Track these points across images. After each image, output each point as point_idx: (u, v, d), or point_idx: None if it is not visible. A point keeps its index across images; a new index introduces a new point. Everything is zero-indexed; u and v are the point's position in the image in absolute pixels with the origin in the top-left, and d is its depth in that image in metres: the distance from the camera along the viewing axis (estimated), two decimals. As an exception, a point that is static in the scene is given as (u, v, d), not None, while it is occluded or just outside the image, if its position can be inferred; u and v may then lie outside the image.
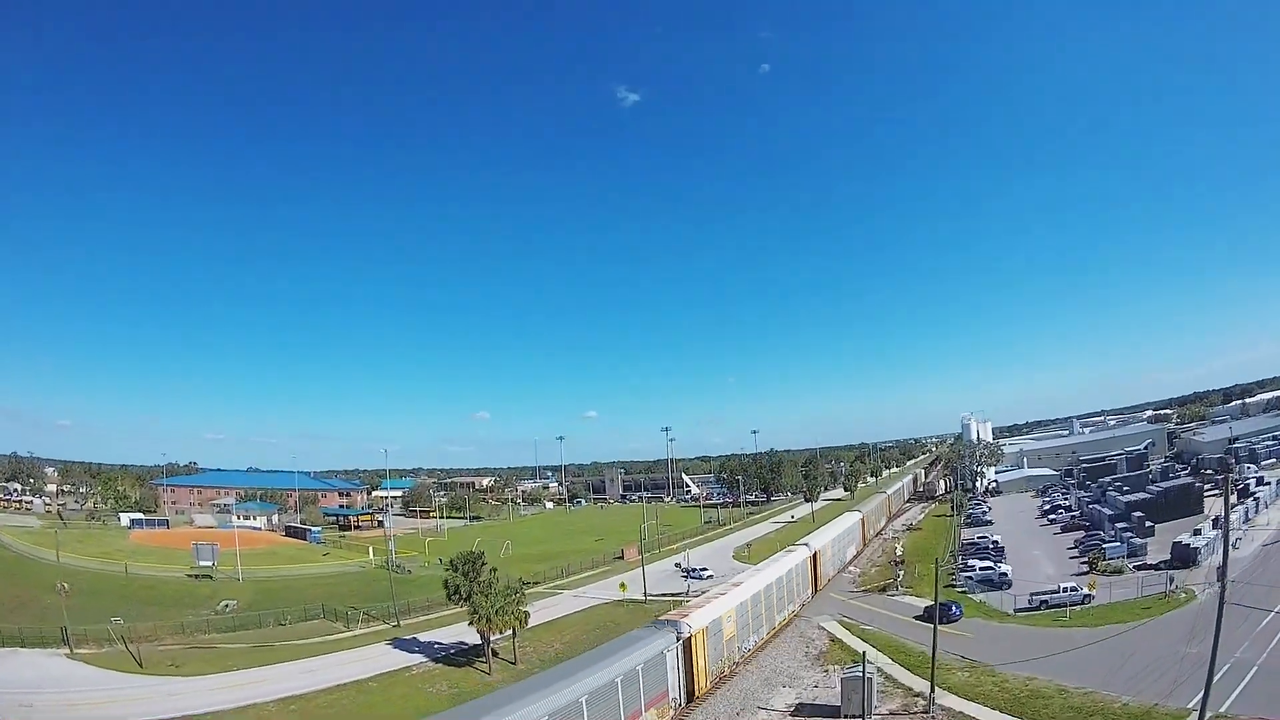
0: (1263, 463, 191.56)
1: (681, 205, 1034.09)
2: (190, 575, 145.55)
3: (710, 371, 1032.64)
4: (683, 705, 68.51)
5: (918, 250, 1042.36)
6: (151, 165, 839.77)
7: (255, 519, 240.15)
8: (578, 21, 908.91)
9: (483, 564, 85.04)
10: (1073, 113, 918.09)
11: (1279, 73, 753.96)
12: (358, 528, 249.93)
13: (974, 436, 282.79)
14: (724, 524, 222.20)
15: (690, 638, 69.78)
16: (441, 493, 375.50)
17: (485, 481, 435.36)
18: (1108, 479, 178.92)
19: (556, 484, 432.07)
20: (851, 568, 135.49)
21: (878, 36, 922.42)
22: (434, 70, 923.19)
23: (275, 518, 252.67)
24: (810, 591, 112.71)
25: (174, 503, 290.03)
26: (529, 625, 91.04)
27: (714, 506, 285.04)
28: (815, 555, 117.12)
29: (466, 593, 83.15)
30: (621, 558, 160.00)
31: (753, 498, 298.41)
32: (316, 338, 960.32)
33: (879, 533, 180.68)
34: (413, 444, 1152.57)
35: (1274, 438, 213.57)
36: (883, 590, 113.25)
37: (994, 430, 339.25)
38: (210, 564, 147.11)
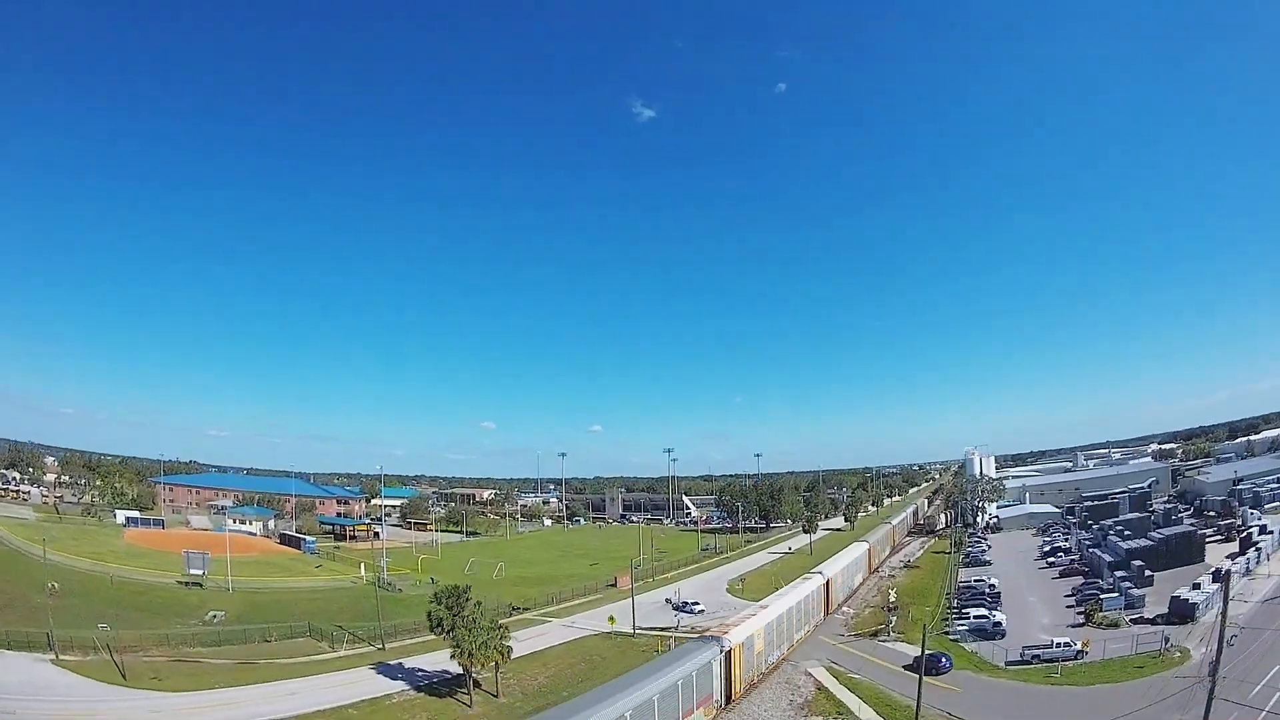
0: (1266, 506, 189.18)
1: (694, 222, 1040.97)
2: (181, 582, 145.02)
3: (718, 389, 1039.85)
4: (723, 706, 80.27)
5: (930, 275, 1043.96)
6: (168, 158, 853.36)
7: (251, 524, 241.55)
8: (595, 37, 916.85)
9: (467, 598, 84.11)
10: (1080, 140, 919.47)
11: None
12: (353, 538, 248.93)
13: (977, 471, 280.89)
14: (720, 552, 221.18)
15: (730, 650, 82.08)
16: (440, 504, 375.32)
17: (486, 494, 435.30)
18: (1109, 522, 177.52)
19: (556, 499, 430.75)
20: (845, 608, 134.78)
21: (894, 57, 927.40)
22: (451, 81, 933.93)
23: (271, 523, 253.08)
24: (823, 614, 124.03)
25: (171, 501, 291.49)
26: (514, 656, 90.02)
27: (712, 532, 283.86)
28: (828, 582, 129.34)
29: (449, 626, 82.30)
30: (614, 585, 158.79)
31: (752, 524, 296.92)
32: (326, 339, 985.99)
33: (883, 562, 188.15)
34: (417, 450, 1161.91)
35: (1278, 480, 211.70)
36: (874, 635, 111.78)
37: (997, 460, 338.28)
38: (201, 572, 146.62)
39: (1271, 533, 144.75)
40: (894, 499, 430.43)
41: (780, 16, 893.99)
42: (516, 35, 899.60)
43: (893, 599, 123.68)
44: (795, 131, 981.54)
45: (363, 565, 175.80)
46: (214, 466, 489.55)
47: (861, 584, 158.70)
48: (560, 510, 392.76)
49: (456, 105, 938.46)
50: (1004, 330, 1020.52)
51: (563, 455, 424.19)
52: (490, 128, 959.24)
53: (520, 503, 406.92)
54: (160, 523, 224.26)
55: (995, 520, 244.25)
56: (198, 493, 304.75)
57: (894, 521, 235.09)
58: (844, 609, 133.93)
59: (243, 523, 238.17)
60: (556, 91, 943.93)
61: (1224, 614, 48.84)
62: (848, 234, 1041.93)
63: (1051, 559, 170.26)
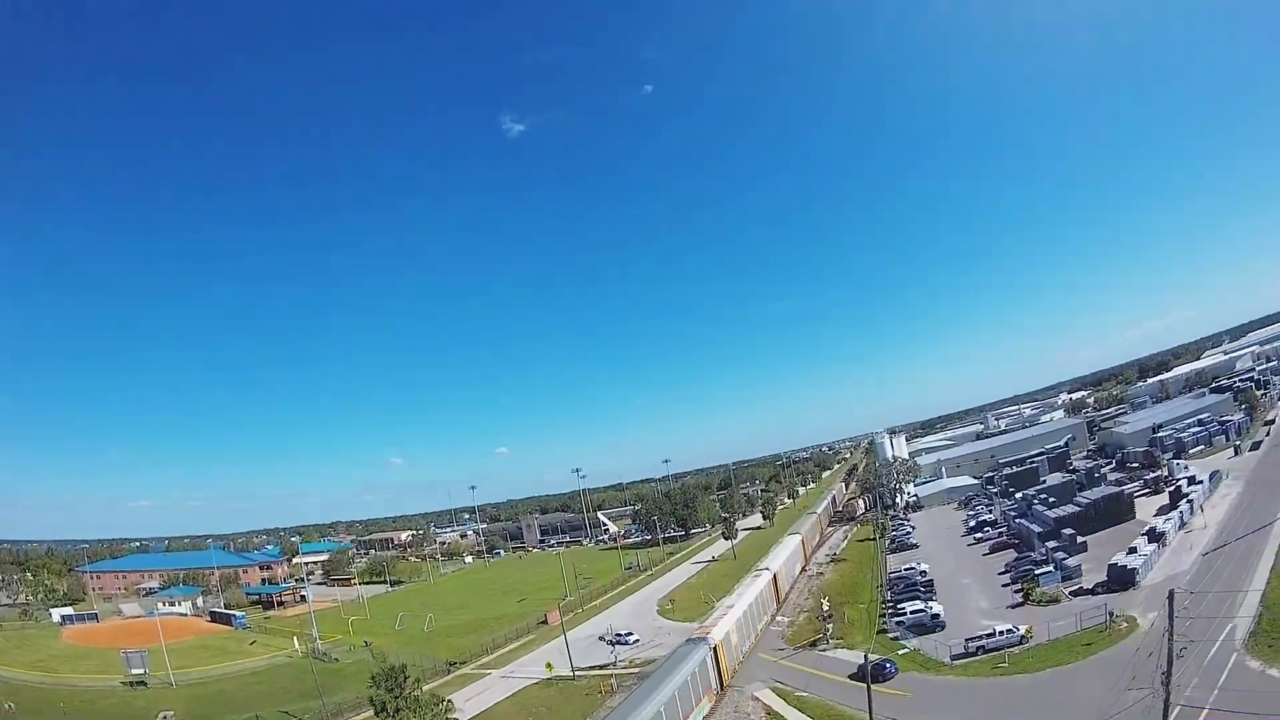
0: (1190, 451, 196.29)
1: (571, 233, 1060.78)
2: (125, 683, 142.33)
3: (616, 396, 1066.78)
4: (718, 693, 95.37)
5: (816, 250, 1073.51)
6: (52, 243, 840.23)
7: (180, 604, 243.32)
8: (462, 54, 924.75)
9: (406, 676, 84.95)
10: (968, 92, 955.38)
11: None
12: (281, 604, 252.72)
13: (889, 454, 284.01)
14: (645, 569, 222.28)
15: (716, 646, 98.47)
16: (361, 553, 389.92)
17: (403, 536, 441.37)
18: (1032, 491, 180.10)
19: (474, 532, 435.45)
20: (781, 617, 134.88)
21: (755, 48, 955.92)
22: (321, 105, 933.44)
23: (199, 601, 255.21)
24: (775, 605, 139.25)
25: (100, 589, 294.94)
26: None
27: (633, 547, 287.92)
28: (775, 576, 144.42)
29: (393, 709, 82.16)
30: (545, 622, 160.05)
31: (670, 534, 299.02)
32: (231, 396, 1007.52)
33: (816, 549, 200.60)
34: (331, 497, 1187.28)
35: (1199, 422, 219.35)
36: (813, 645, 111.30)
37: (907, 431, 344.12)
38: (142, 670, 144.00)
39: (1201, 482, 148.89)
40: (809, 487, 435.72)
41: (642, 18, 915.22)
42: (381, 55, 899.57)
43: (826, 607, 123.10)
44: (665, 130, 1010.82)
45: (295, 638, 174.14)
46: (136, 541, 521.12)
47: (801, 572, 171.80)
48: (479, 544, 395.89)
49: (332, 131, 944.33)
50: (897, 296, 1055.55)
51: (473, 488, 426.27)
52: (367, 152, 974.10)
53: (439, 539, 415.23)
54: (94, 616, 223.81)
55: (915, 499, 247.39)
56: (124, 577, 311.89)
57: (818, 510, 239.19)
58: (780, 618, 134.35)
59: (172, 604, 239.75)
60: (424, 112, 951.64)
61: (1170, 631, 48.85)
62: (725, 224, 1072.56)
63: (979, 534, 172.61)
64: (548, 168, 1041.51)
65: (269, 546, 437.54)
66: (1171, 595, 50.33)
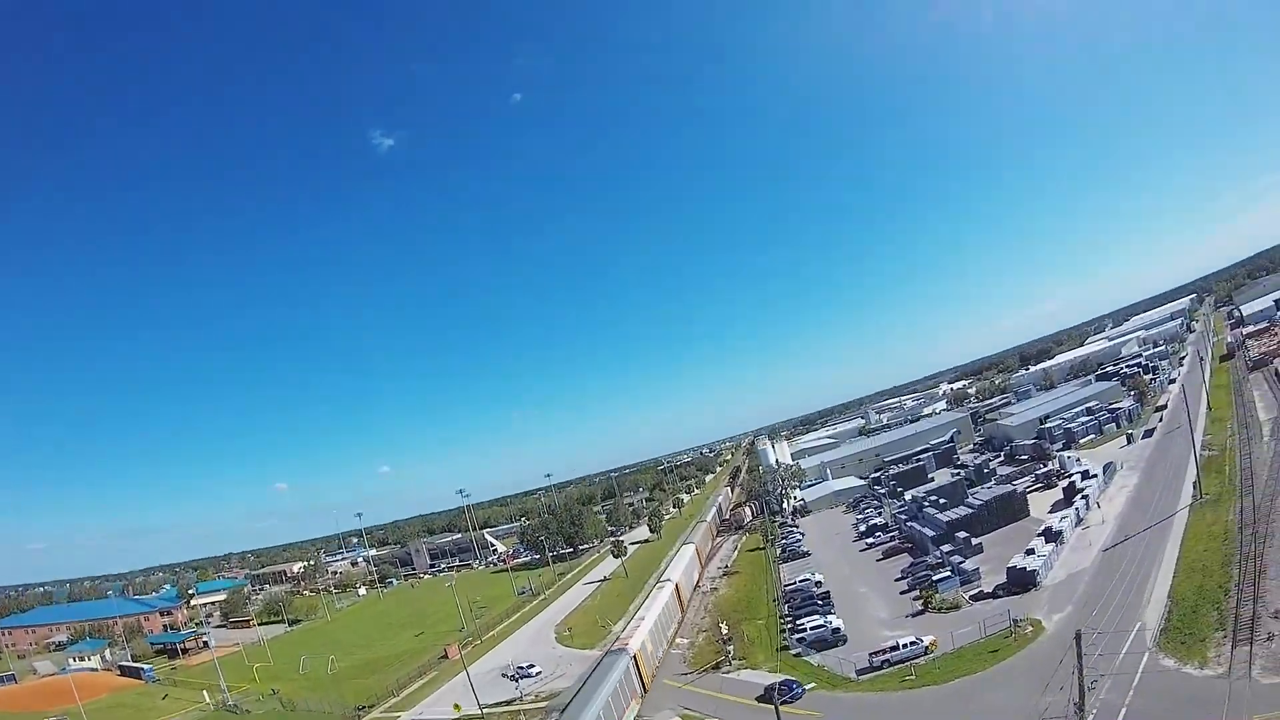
0: (1080, 441, 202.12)
1: (445, 244, 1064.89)
2: None
3: (496, 409, 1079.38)
4: (641, 696, 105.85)
5: (683, 250, 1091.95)
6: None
7: (90, 659, 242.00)
8: (330, 69, 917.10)
9: None
10: (824, 105, 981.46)
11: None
12: (185, 652, 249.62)
13: (772, 460, 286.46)
14: (537, 593, 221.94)
15: (635, 655, 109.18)
16: (256, 588, 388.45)
17: (296, 567, 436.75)
18: (921, 492, 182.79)
19: (364, 559, 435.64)
20: (681, 639, 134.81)
21: (622, 50, 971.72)
22: (199, 122, 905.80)
23: (108, 654, 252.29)
24: (680, 613, 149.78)
25: (12, 645, 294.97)
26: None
27: (524, 568, 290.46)
28: (677, 586, 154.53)
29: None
30: (445, 657, 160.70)
31: (559, 551, 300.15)
32: (114, 429, 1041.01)
33: (710, 555, 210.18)
34: (221, 527, 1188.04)
35: (1087, 410, 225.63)
36: (716, 668, 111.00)
37: (788, 426, 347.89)
38: None
39: (1095, 476, 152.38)
40: (693, 493, 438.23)
41: (512, 27, 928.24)
42: (248, 72, 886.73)
43: (725, 630, 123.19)
44: (536, 136, 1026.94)
45: (205, 691, 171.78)
46: (39, 586, 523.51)
47: (699, 578, 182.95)
48: (370, 572, 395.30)
49: (209, 146, 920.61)
50: (770, 293, 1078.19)
51: (359, 515, 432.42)
52: (235, 176, 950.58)
53: (330, 569, 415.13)
54: (13, 678, 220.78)
55: (802, 503, 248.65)
56: (34, 631, 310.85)
57: (706, 519, 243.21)
58: (680, 639, 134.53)
59: (83, 659, 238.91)
60: (291, 124, 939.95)
61: (1080, 669, 49.57)
62: (596, 229, 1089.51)
63: (870, 539, 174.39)
64: (421, 180, 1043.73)
65: (167, 587, 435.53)
66: (1079, 636, 50.89)
